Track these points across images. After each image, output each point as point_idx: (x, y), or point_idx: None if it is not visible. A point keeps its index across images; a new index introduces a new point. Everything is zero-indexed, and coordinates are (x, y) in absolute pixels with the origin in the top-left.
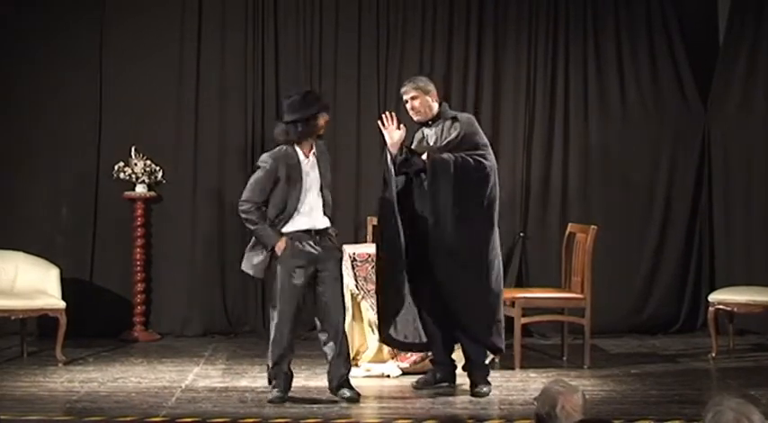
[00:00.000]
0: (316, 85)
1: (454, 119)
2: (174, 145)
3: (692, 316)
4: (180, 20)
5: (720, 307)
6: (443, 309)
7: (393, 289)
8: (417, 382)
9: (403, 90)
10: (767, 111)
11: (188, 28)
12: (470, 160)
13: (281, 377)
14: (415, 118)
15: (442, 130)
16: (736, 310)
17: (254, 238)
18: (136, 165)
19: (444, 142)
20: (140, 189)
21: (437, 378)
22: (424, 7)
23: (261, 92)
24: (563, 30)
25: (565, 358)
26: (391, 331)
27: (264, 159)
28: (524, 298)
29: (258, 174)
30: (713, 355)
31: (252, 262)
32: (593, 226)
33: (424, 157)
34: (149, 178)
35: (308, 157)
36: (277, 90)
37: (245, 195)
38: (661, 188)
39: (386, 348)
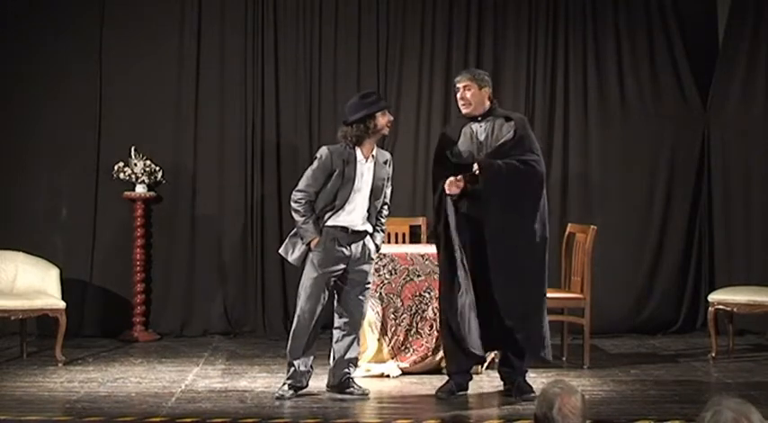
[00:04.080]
0: (315, 84)
1: (507, 118)
2: (173, 145)
3: (692, 316)
4: (180, 20)
5: (720, 307)
6: (495, 319)
7: (455, 318)
8: (442, 392)
9: (457, 79)
10: (766, 111)
11: (187, 28)
12: (522, 167)
13: (299, 371)
14: (464, 110)
15: (494, 129)
16: (735, 310)
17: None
18: (136, 165)
19: (499, 143)
20: (140, 189)
21: (459, 386)
22: (423, 7)
23: (260, 92)
24: (562, 30)
25: (564, 358)
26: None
27: (322, 151)
28: None
29: (314, 165)
30: (713, 355)
31: (291, 250)
32: (592, 226)
33: (476, 166)
34: (149, 178)
35: (366, 159)
36: (276, 90)
37: (300, 185)
38: (660, 188)
39: (386, 348)
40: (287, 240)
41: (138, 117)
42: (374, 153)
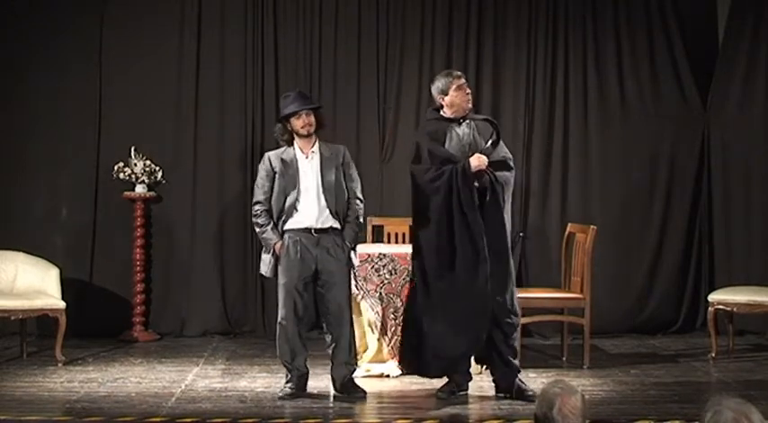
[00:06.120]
0: (315, 84)
1: (486, 119)
2: (173, 145)
3: (692, 316)
4: (180, 20)
5: (720, 307)
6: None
7: (423, 319)
8: (443, 392)
9: (457, 74)
10: (766, 111)
11: (187, 28)
12: (510, 175)
13: (294, 374)
14: (467, 106)
15: (478, 131)
16: (735, 310)
17: None
18: (135, 165)
19: (487, 144)
20: (140, 189)
21: (459, 386)
22: (423, 7)
23: (260, 91)
24: (562, 30)
25: (564, 358)
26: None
27: (262, 159)
28: (524, 298)
29: (259, 173)
30: (713, 355)
31: (264, 263)
32: (592, 226)
33: (474, 161)
34: (149, 178)
35: (307, 155)
36: (276, 89)
37: (254, 198)
38: (660, 188)
39: (386, 348)
40: (262, 257)
41: (138, 117)
42: (315, 149)
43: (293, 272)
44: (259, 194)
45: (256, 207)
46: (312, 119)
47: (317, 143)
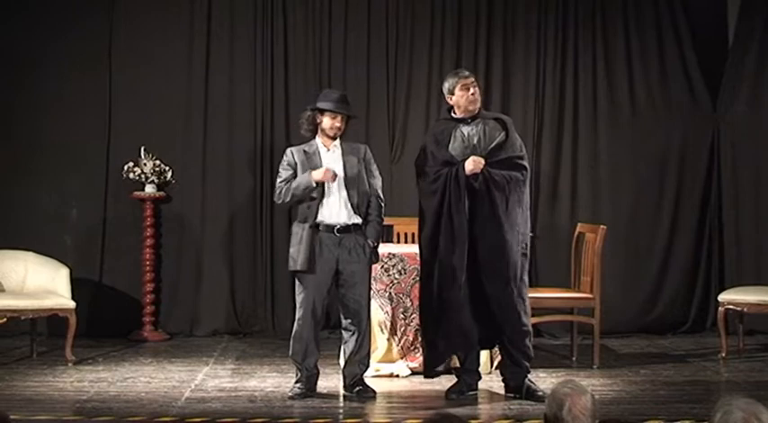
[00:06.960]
0: (324, 85)
1: (497, 119)
2: (183, 145)
3: (702, 316)
4: (189, 20)
5: (730, 307)
6: (489, 319)
7: (439, 318)
8: (452, 392)
9: (465, 74)
10: None
11: (197, 27)
12: (519, 174)
13: (303, 374)
14: (473, 106)
15: (485, 131)
16: (745, 310)
17: (292, 233)
18: (145, 165)
19: (493, 144)
20: (149, 189)
21: (468, 386)
22: (432, 10)
23: (270, 91)
24: (572, 31)
25: (574, 358)
26: (438, 369)
27: (285, 152)
28: (534, 298)
29: (281, 165)
30: (723, 355)
31: (292, 258)
32: (602, 226)
33: (469, 165)
34: (158, 178)
35: (329, 149)
36: (286, 89)
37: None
38: (670, 188)
39: (395, 348)
40: (290, 252)
41: (147, 117)
42: (336, 144)
43: (314, 271)
44: (279, 180)
45: (276, 189)
46: (343, 125)
47: (338, 139)
